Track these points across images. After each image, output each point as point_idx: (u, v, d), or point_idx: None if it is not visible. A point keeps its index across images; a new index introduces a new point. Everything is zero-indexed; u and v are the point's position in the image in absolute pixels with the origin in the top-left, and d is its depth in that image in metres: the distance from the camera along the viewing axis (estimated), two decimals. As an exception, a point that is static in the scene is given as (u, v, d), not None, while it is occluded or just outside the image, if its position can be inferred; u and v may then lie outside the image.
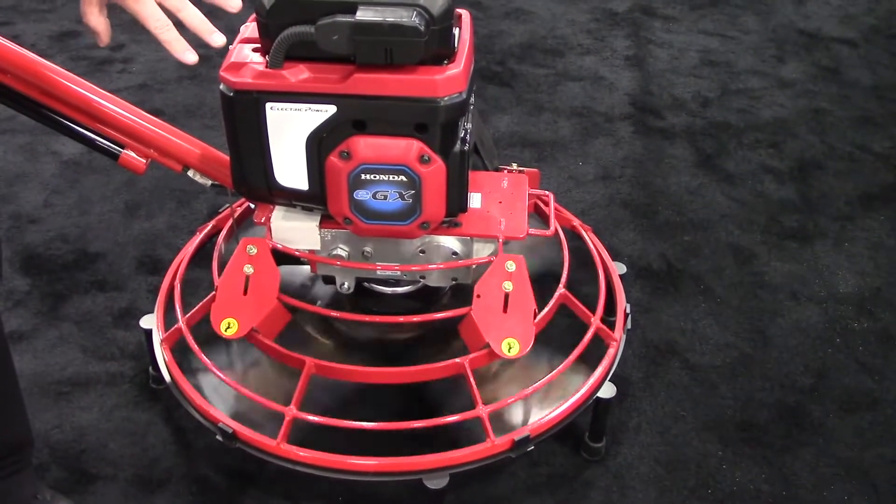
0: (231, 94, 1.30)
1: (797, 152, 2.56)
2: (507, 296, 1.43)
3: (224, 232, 1.72)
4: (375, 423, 1.42)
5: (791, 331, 1.92)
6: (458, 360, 1.43)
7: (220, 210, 1.89)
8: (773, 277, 2.07)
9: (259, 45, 1.33)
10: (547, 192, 1.69)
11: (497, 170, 1.70)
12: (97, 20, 1.15)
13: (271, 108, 1.29)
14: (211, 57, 3.01)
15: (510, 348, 1.40)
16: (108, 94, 1.52)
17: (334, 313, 1.51)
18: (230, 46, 1.38)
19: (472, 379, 1.41)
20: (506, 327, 1.41)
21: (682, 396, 1.75)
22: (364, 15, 1.21)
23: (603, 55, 3.11)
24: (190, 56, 1.15)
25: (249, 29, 1.39)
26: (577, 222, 1.81)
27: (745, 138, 2.62)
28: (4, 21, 3.17)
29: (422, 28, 1.21)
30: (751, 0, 3.59)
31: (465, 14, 1.43)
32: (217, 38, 1.16)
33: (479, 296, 1.43)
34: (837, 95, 2.88)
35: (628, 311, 1.67)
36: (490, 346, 1.40)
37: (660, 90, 2.89)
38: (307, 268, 1.66)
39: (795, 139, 2.63)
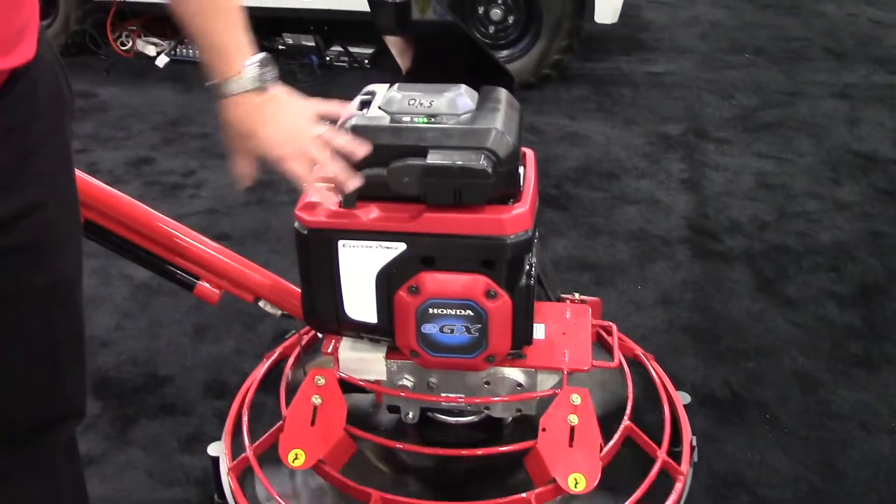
0: (305, 232, 1.35)
1: (859, 276, 2.54)
2: (572, 429, 1.43)
3: (291, 359, 1.75)
4: (440, 562, 1.40)
5: (862, 463, 1.87)
6: (523, 495, 1.42)
7: (287, 336, 1.94)
8: (842, 406, 2.03)
9: (332, 185, 1.39)
10: (609, 323, 1.70)
11: (559, 299, 1.72)
12: (249, 169, 1.26)
13: (344, 246, 1.34)
14: (275, 182, 3.15)
15: (577, 483, 1.39)
16: (185, 227, 1.60)
17: (399, 445, 1.52)
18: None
19: (538, 515, 1.40)
20: (572, 462, 1.40)
21: (752, 532, 1.71)
22: (434, 158, 1.27)
23: (658, 178, 3.16)
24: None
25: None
26: (639, 351, 1.81)
27: (804, 262, 2.62)
28: (83, 149, 3.34)
29: (490, 171, 1.26)
30: (804, 122, 3.64)
31: (529, 153, 1.48)
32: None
33: (544, 429, 1.43)
34: (896, 218, 2.87)
35: (694, 443, 1.65)
36: (556, 481, 1.39)
37: (716, 213, 2.91)
38: (371, 395, 1.68)
39: (856, 263, 2.61)
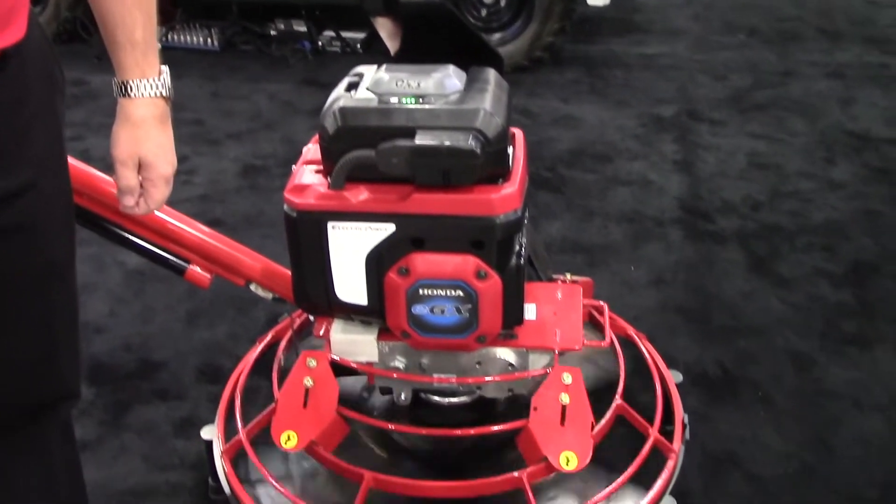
0: (294, 214, 1.35)
1: (852, 255, 2.55)
2: (564, 408, 1.43)
3: (283, 343, 1.75)
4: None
5: (854, 440, 1.88)
6: (515, 473, 1.42)
7: (279, 320, 1.94)
8: (834, 384, 2.04)
9: (321, 167, 1.39)
10: (601, 302, 1.71)
11: (551, 280, 1.72)
12: (137, 181, 1.23)
13: (333, 228, 1.34)
14: (269, 168, 3.14)
15: (568, 461, 1.39)
16: (175, 212, 1.59)
17: (391, 426, 1.53)
18: (293, 167, 1.45)
19: (530, 494, 1.41)
20: (563, 440, 1.41)
21: (745, 509, 1.72)
22: (422, 139, 1.26)
23: (651, 160, 3.16)
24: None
25: (311, 151, 1.46)
26: (631, 330, 1.82)
27: (797, 241, 2.62)
28: (75, 136, 3.33)
29: (478, 150, 1.26)
30: (798, 102, 3.64)
31: (518, 133, 1.47)
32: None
33: (535, 408, 1.44)
34: (889, 196, 2.87)
35: (686, 421, 1.66)
36: (548, 460, 1.40)
37: (709, 194, 2.91)
38: (364, 377, 1.69)
39: (849, 242, 2.62)
